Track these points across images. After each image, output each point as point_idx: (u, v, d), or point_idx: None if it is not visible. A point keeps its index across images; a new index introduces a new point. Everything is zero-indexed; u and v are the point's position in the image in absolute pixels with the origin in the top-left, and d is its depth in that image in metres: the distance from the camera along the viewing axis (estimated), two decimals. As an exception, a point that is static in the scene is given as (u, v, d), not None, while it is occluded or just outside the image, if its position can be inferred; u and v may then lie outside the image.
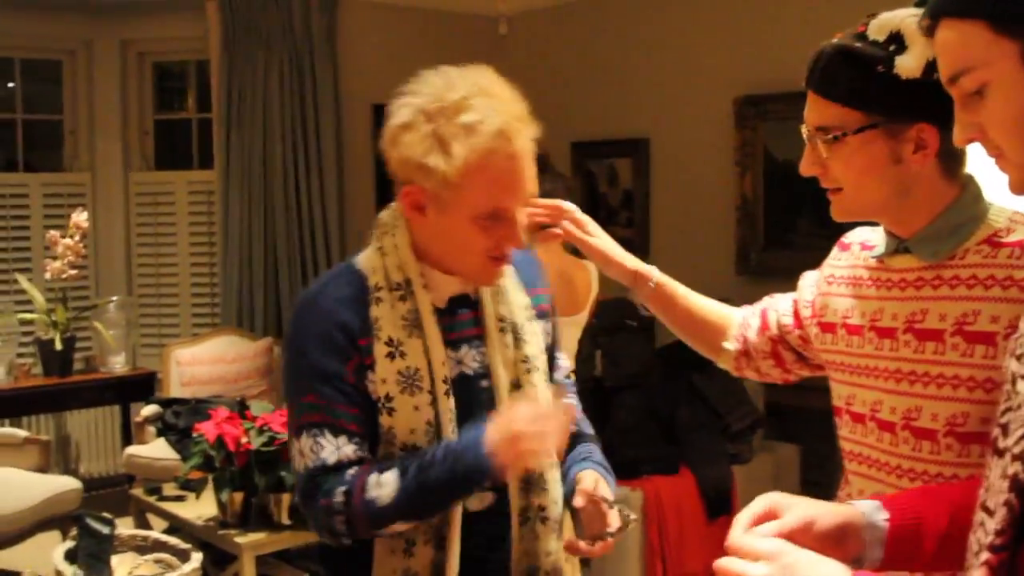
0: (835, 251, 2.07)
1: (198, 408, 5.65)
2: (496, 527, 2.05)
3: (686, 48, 6.51)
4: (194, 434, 4.53)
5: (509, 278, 2.11)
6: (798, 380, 2.26)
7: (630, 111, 6.85)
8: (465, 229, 1.91)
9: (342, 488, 1.90)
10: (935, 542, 1.46)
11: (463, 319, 2.05)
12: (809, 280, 2.15)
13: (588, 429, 2.30)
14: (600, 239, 2.23)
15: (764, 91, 5.95)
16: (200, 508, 4.68)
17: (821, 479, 2.11)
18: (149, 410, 6.01)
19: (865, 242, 1.98)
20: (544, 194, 4.23)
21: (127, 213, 7.20)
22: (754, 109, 6.10)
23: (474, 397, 2.03)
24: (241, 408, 4.70)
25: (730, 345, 2.24)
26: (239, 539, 4.40)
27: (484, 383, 2.05)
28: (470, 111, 1.86)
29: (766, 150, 6.11)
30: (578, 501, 2.00)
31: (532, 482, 2.06)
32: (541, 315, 2.18)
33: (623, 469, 4.80)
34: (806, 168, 1.85)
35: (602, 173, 7.07)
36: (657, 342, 5.47)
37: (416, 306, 1.98)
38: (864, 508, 1.46)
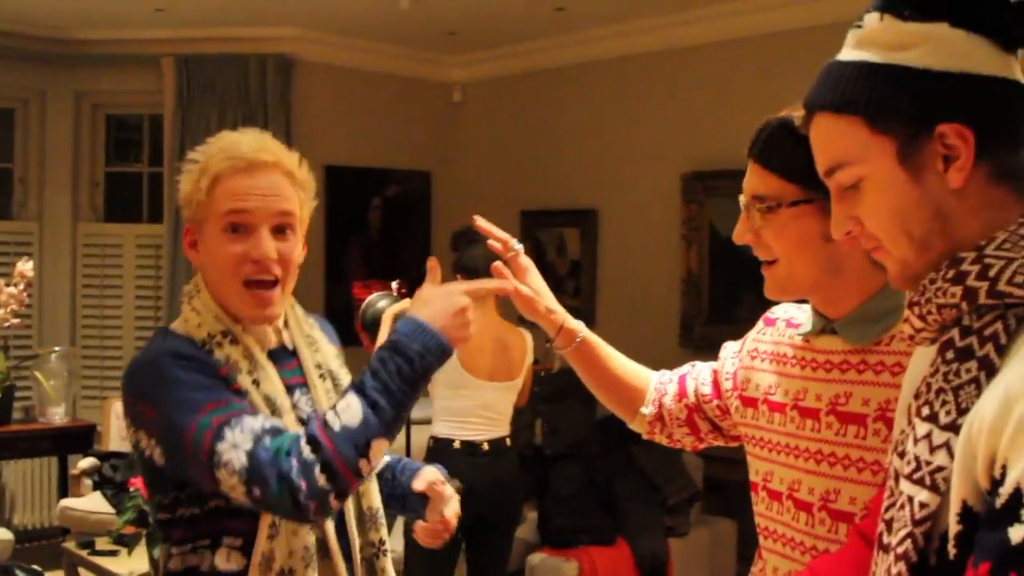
0: (760, 325, 2.07)
1: (135, 463, 5.56)
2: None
3: (636, 122, 6.58)
4: (130, 488, 4.46)
5: (318, 332, 2.19)
6: (707, 448, 2.25)
7: (580, 182, 6.90)
8: (217, 244, 1.97)
9: (303, 441, 1.74)
10: None
11: (290, 367, 2.07)
12: (729, 351, 2.15)
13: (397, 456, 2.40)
14: (530, 287, 2.18)
15: (711, 167, 6.02)
16: (132, 564, 4.62)
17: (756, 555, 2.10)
18: (86, 463, 5.93)
19: (791, 319, 1.99)
20: (471, 259, 4.26)
21: (74, 264, 7.13)
22: (701, 184, 6.16)
23: None
24: (179, 465, 4.63)
25: (646, 410, 2.22)
26: (170, 597, 4.31)
27: None
28: (221, 141, 2.05)
29: (711, 225, 6.17)
30: (418, 485, 2.18)
31: (367, 520, 2.10)
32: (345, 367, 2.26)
33: (560, 538, 4.78)
34: (739, 235, 1.86)
35: (551, 242, 7.10)
36: (598, 413, 5.47)
37: (247, 346, 1.99)
38: None
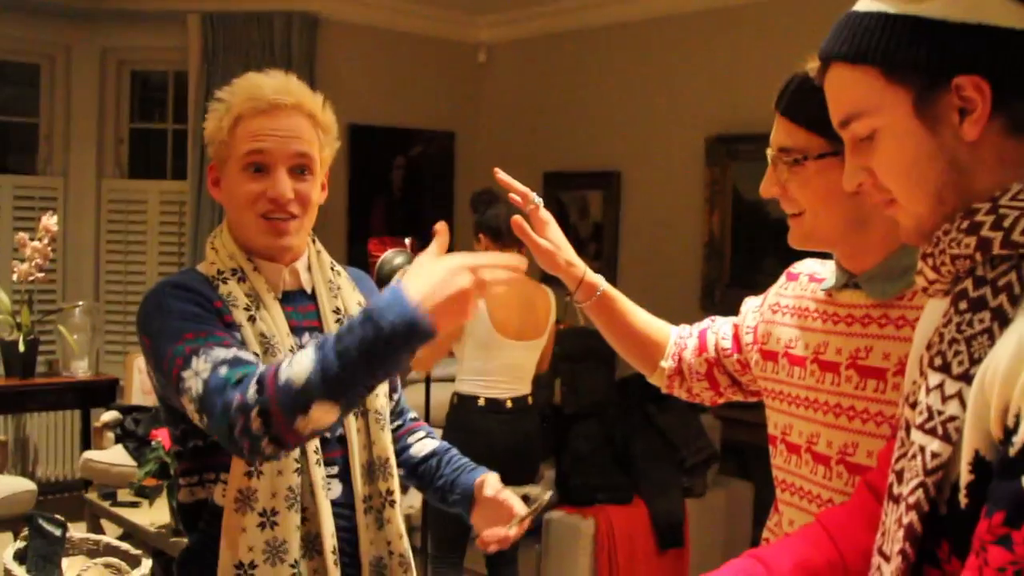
0: (782, 280, 2.08)
1: (158, 416, 5.62)
2: (345, 520, 2.04)
3: (662, 85, 6.55)
4: (151, 441, 4.50)
5: (343, 278, 2.20)
6: (724, 411, 2.25)
7: (604, 144, 6.89)
8: (237, 181, 2.02)
9: (255, 379, 1.67)
10: None
11: (304, 310, 2.09)
12: (751, 306, 2.15)
13: (446, 443, 2.36)
14: (550, 241, 2.19)
15: (735, 131, 6.00)
16: (153, 515, 4.66)
17: (774, 516, 2.13)
18: (109, 416, 5.97)
19: (814, 274, 1.99)
20: (493, 219, 4.26)
21: (98, 219, 7.16)
22: (725, 148, 6.15)
23: None
24: (200, 418, 4.67)
25: (666, 364, 2.23)
26: (191, 548, 4.35)
27: None
28: (244, 80, 2.08)
29: (735, 189, 6.15)
30: (488, 491, 2.11)
31: (376, 469, 2.09)
32: None
33: (577, 496, 4.80)
34: (766, 189, 1.87)
35: (573, 204, 7.10)
36: (617, 373, 5.48)
37: (255, 287, 2.03)
38: None
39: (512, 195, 2.21)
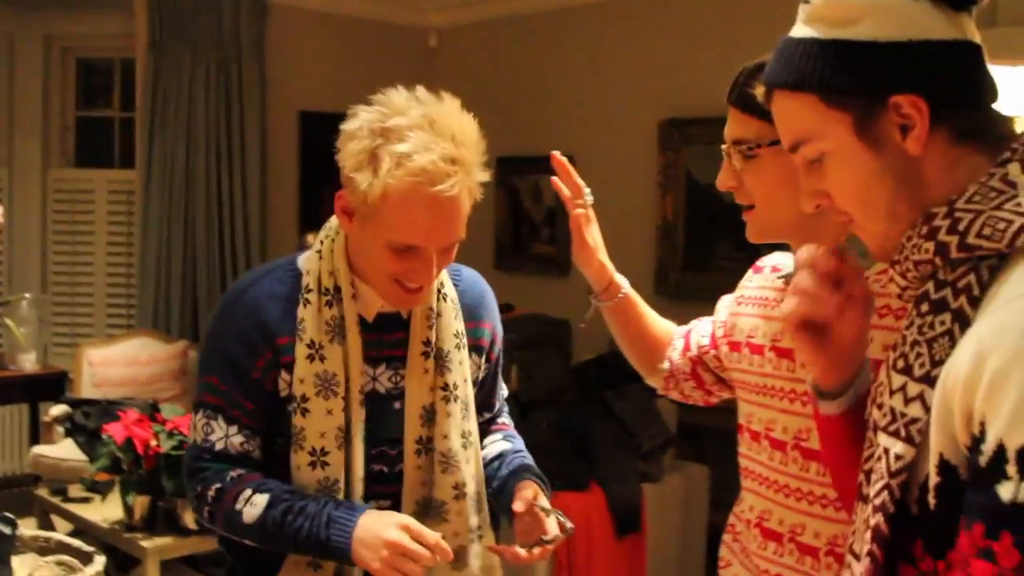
0: (749, 273, 2.10)
1: (109, 409, 5.55)
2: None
3: (614, 69, 6.55)
4: (103, 435, 4.46)
5: (448, 303, 2.11)
6: (719, 402, 2.28)
7: (556, 129, 6.87)
8: (378, 250, 1.91)
9: (218, 485, 1.99)
10: None
11: (390, 338, 2.06)
12: (724, 302, 2.18)
13: (521, 445, 2.32)
14: (592, 238, 2.23)
15: (688, 115, 6.01)
16: (106, 511, 4.61)
17: (730, 500, 2.12)
18: (58, 410, 5.90)
19: (777, 265, 2.01)
20: None
21: (44, 209, 7.07)
22: (678, 132, 6.15)
23: (384, 416, 2.05)
24: (152, 411, 4.64)
25: (664, 366, 2.26)
26: (144, 543, 4.34)
27: (396, 404, 2.07)
28: (406, 141, 1.83)
29: (688, 173, 6.16)
30: (519, 507, 2.02)
31: (431, 509, 2.09)
32: (477, 348, 2.19)
33: (535, 484, 4.79)
34: (722, 182, 1.87)
35: (526, 189, 7.08)
36: (573, 359, 5.48)
37: (342, 314, 1.99)
38: None
39: (560, 184, 2.20)
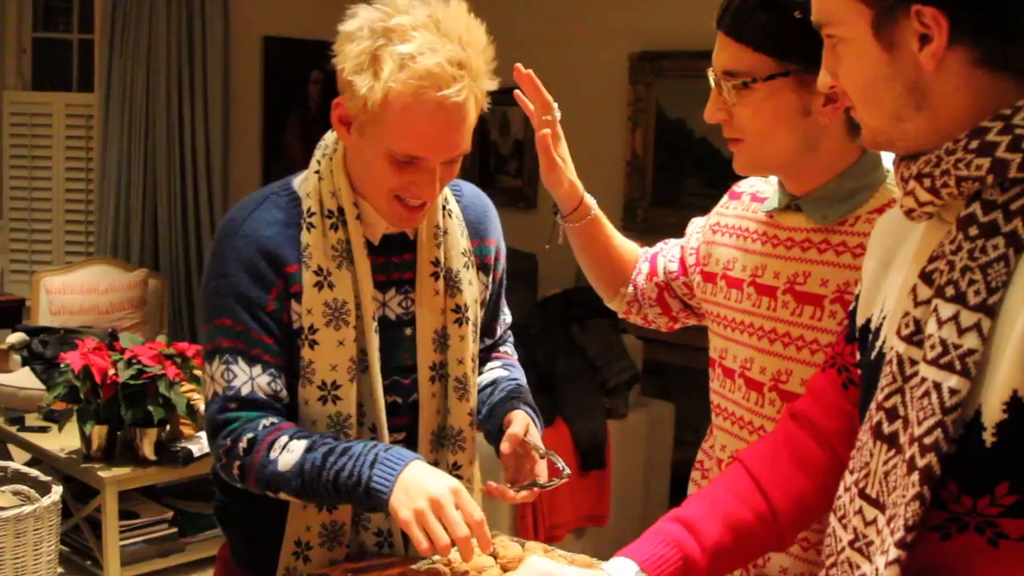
0: (725, 199, 2.04)
1: (66, 338, 5.52)
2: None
3: (584, 1, 6.47)
4: (60, 364, 4.42)
5: (454, 219, 2.01)
6: (681, 332, 2.23)
7: (525, 61, 6.78)
8: (378, 162, 1.79)
9: (250, 435, 1.82)
10: (707, 565, 1.45)
11: (397, 260, 1.95)
12: (696, 226, 2.11)
13: (520, 376, 2.20)
14: (560, 156, 2.10)
15: (659, 48, 5.94)
16: (63, 440, 4.58)
17: (694, 438, 2.12)
18: (15, 338, 5.85)
19: (757, 193, 1.95)
20: None
21: (0, 133, 6.94)
22: (649, 66, 6.10)
23: (395, 343, 1.95)
24: (111, 339, 4.60)
25: (626, 290, 2.20)
26: (102, 473, 4.32)
27: (408, 331, 1.97)
28: (410, 42, 1.71)
29: (658, 107, 6.12)
30: (505, 447, 1.93)
31: (446, 438, 2.03)
32: (483, 267, 2.08)
33: (499, 419, 4.81)
34: (711, 114, 1.79)
35: (494, 121, 7.01)
36: (539, 293, 5.47)
37: (348, 237, 1.88)
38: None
39: (524, 99, 2.10)
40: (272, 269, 1.86)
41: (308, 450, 1.78)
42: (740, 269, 1.89)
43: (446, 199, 2.00)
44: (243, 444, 1.82)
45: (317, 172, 1.91)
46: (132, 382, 4.21)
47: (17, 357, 5.82)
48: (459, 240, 2.00)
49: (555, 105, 2.08)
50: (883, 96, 1.23)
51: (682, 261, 2.11)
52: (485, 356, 2.19)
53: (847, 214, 1.75)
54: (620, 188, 6.25)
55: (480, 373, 2.14)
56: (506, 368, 2.20)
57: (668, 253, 2.16)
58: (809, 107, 1.70)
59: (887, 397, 1.25)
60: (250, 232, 1.87)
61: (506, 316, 2.24)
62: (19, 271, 6.91)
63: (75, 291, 6.23)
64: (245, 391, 1.85)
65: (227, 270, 1.86)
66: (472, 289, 2.02)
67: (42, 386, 5.22)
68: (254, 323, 1.86)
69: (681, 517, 1.48)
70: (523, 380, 2.18)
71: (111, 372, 4.23)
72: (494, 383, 2.13)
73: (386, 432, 1.93)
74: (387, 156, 1.77)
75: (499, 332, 2.24)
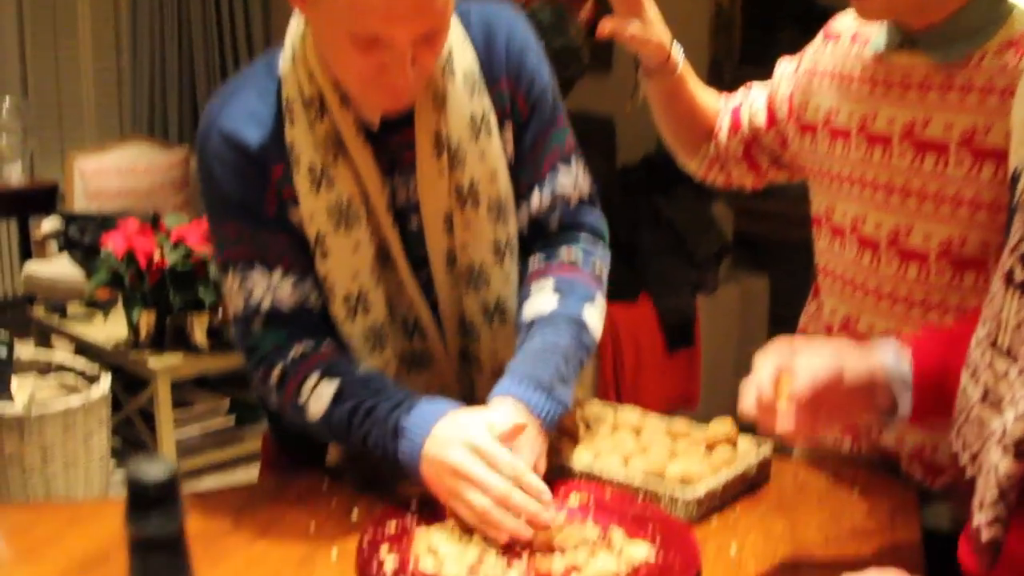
0: (819, 40, 1.98)
1: (105, 223, 5.55)
2: None
3: None
4: (100, 249, 4.45)
5: (459, 77, 1.78)
6: (738, 199, 2.18)
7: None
8: (340, 43, 1.60)
9: (281, 366, 1.76)
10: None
11: (398, 139, 1.79)
12: (785, 71, 2.06)
13: (575, 306, 1.88)
14: (649, 14, 2.00)
15: None
16: (110, 329, 4.67)
17: (790, 315, 2.09)
18: (50, 225, 5.91)
19: (857, 33, 1.89)
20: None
21: (20, 3, 6.94)
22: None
23: (404, 236, 1.83)
24: (154, 221, 4.61)
25: (711, 149, 2.15)
26: (152, 363, 4.40)
27: (414, 220, 1.84)
28: None
29: (747, -48, 6.03)
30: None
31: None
32: (501, 119, 1.84)
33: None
34: None
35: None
36: (618, 162, 5.44)
37: (335, 125, 1.74)
38: (886, 358, 1.43)
39: None
40: (258, 171, 1.75)
41: (335, 401, 1.72)
42: (847, 117, 1.85)
43: (450, 51, 1.77)
44: (274, 379, 1.77)
45: (291, 58, 1.75)
46: (180, 268, 4.24)
47: (54, 244, 5.89)
48: (465, 104, 1.79)
49: None
50: None
51: (770, 112, 2.06)
52: (544, 262, 1.92)
53: (972, 50, 1.70)
54: (705, 46, 6.16)
55: (527, 291, 1.89)
56: (560, 292, 1.87)
57: (753, 104, 2.10)
58: None
59: (1019, 242, 1.24)
60: (224, 127, 1.75)
61: (566, 188, 1.93)
62: (49, 154, 6.96)
63: (111, 173, 6.29)
64: (266, 304, 1.77)
65: (212, 172, 1.77)
66: (487, 162, 1.81)
67: (82, 275, 5.28)
68: (260, 225, 1.77)
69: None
70: (578, 310, 1.86)
71: (157, 255, 4.27)
72: (532, 324, 1.84)
73: (433, 327, 1.86)
74: (348, 36, 1.58)
75: (554, 219, 1.93)
